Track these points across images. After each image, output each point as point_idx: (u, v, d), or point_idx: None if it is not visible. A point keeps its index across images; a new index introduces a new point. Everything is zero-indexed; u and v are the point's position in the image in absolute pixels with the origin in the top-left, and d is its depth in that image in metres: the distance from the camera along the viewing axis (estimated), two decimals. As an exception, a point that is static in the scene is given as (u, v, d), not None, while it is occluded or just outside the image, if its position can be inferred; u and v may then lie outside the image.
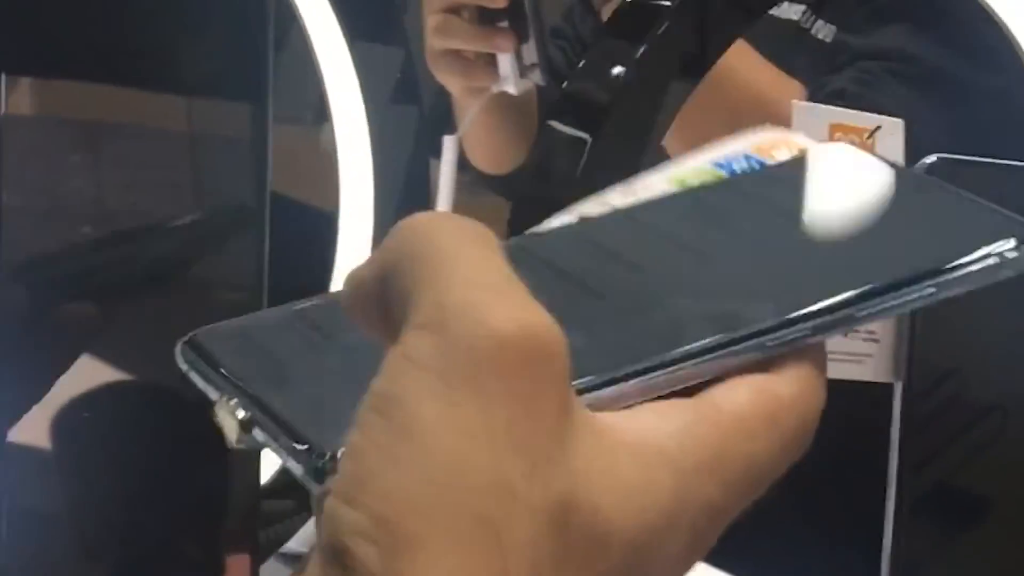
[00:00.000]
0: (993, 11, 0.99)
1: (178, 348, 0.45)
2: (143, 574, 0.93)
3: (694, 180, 0.51)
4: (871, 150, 0.74)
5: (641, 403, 0.42)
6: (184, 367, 0.44)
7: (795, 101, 0.91)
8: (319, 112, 1.34)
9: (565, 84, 1.00)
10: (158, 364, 0.86)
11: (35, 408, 0.89)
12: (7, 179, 0.84)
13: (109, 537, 0.92)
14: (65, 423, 0.90)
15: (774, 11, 1.33)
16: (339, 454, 0.41)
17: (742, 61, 1.23)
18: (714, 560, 0.91)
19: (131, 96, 0.91)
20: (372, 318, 0.43)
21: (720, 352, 0.43)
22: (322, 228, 1.31)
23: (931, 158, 0.84)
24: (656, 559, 0.41)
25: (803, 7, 1.39)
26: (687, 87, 0.92)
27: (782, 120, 0.70)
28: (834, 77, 1.30)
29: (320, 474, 0.41)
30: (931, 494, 0.86)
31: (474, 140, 1.45)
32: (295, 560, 1.26)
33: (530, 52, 1.38)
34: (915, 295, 0.44)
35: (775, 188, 0.50)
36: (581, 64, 0.99)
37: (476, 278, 0.41)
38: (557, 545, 0.40)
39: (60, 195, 0.90)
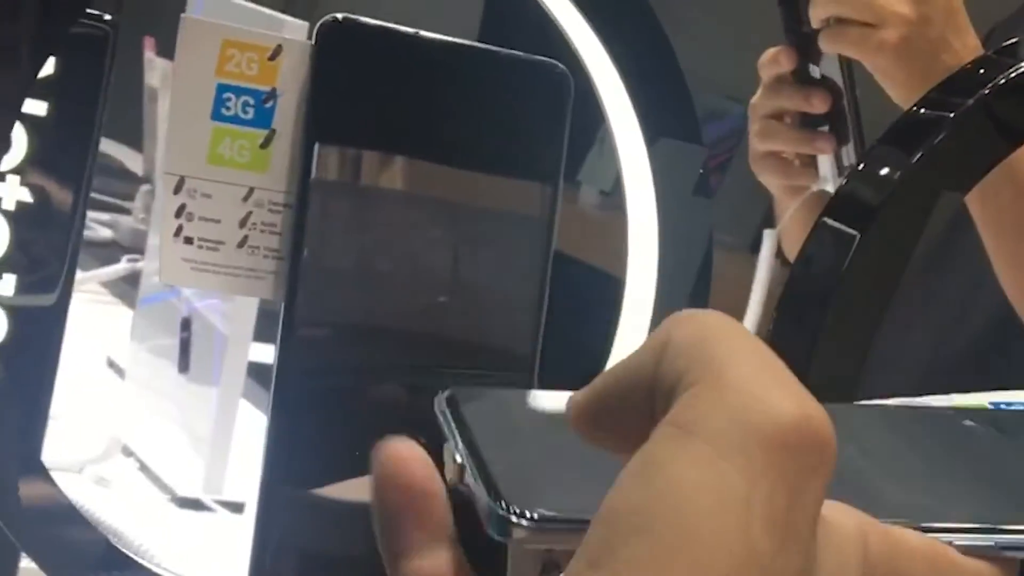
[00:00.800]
0: None
1: (439, 395, 0.50)
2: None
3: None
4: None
5: None
6: (437, 410, 0.50)
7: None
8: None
9: (842, 184, 1.04)
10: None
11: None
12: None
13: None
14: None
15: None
16: (533, 514, 0.43)
17: None
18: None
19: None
20: (606, 423, 0.44)
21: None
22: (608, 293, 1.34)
23: None
24: None
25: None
26: (957, 196, 0.95)
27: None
28: None
29: (503, 526, 0.43)
30: None
31: (791, 235, 1.54)
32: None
33: (849, 154, 1.47)
34: None
35: None
36: (860, 166, 1.03)
37: (757, 363, 0.41)
38: None
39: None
